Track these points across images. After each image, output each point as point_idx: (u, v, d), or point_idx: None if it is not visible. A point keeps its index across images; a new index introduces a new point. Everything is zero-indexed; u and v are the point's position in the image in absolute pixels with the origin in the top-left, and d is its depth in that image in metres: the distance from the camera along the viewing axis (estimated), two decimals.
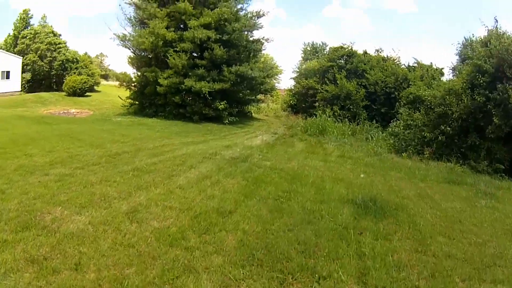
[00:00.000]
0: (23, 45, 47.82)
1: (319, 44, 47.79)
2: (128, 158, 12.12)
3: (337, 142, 21.13)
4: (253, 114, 37.35)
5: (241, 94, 30.89)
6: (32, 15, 51.46)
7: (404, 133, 20.22)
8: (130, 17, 32.20)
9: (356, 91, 30.35)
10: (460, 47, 35.52)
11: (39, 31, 48.37)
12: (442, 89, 19.17)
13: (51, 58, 47.83)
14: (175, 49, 28.42)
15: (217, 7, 28.83)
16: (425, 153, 17.73)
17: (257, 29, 32.88)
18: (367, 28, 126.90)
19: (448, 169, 15.52)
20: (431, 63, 33.03)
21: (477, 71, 16.95)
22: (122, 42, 31.10)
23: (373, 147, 19.95)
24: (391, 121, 24.62)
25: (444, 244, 6.81)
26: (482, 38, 20.44)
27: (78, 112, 32.95)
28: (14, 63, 44.98)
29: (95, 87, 48.96)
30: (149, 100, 30.55)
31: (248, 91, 31.65)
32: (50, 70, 48.03)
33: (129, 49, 31.81)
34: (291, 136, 22.68)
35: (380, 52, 36.95)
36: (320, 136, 23.21)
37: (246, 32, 31.42)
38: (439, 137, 17.54)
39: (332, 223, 7.25)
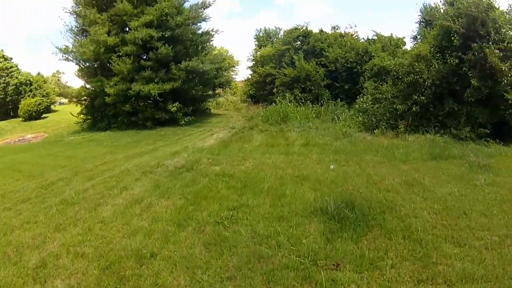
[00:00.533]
0: None
1: (272, 29, 45.46)
2: (61, 187, 10.48)
3: (301, 127, 18.78)
4: (212, 110, 34.88)
5: (194, 91, 27.92)
6: None
7: (373, 108, 18.05)
8: (72, 27, 29.02)
9: (315, 71, 28.18)
10: (420, 15, 33.68)
11: None
12: (409, 56, 17.09)
13: (5, 84, 44.64)
14: (119, 54, 25.88)
15: (157, 3, 26.34)
16: (399, 127, 15.59)
17: (205, 21, 30.17)
18: (323, 11, 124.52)
19: (429, 141, 13.59)
20: (391, 33, 31.22)
21: (445, 33, 15.50)
22: (64, 55, 27.78)
23: (340, 127, 17.76)
24: (357, 97, 22.68)
25: (454, 256, 5.01)
26: None
27: (33, 137, 30.22)
28: None
29: (52, 107, 46.37)
30: (100, 113, 27.98)
31: (201, 86, 28.78)
32: (5, 96, 44.79)
33: (73, 62, 28.51)
34: (250, 129, 20.24)
35: (337, 29, 34.82)
36: (283, 123, 20.84)
37: (192, 26, 28.70)
38: (413, 107, 15.58)
39: (293, 256, 5.04)
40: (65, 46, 27.45)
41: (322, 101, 26.12)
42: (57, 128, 32.17)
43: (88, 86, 29.27)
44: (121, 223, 7.04)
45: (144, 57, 26.99)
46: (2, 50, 46.29)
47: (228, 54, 53.38)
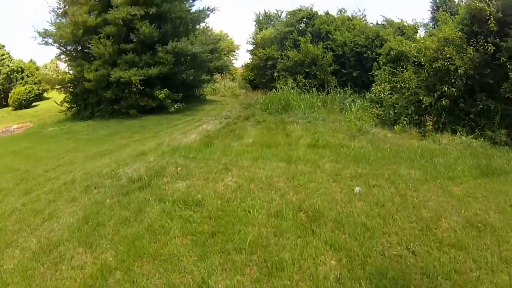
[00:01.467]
0: None
1: (274, 12, 42.02)
2: None
3: (306, 118, 15.70)
4: (207, 97, 31.39)
5: (184, 76, 24.34)
6: None
7: (391, 98, 15.02)
8: (54, 8, 25.69)
9: (322, 55, 24.93)
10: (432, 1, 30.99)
11: None
12: (436, 40, 14.02)
13: None
14: (100, 36, 22.66)
15: None
16: (427, 124, 12.47)
17: None
18: None
19: (466, 146, 10.58)
20: (402, 20, 27.68)
21: (473, 16, 12.60)
22: (43, 39, 24.28)
23: (353, 120, 14.58)
24: (367, 86, 19.95)
25: None
26: None
27: (18, 128, 27.15)
28: None
29: (45, 94, 42.99)
30: (83, 101, 25.00)
31: (193, 71, 24.96)
32: None
33: (54, 46, 25.08)
34: (245, 119, 17.13)
35: (344, 13, 31.65)
36: (284, 113, 17.75)
37: (184, 2, 25.12)
38: (441, 101, 12.46)
39: None
40: (45, 29, 24.14)
41: (328, 89, 22.96)
42: (44, 118, 28.67)
43: (71, 72, 26.42)
44: None
45: (126, 38, 23.60)
46: None
47: (228, 38, 49.93)
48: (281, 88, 21.97)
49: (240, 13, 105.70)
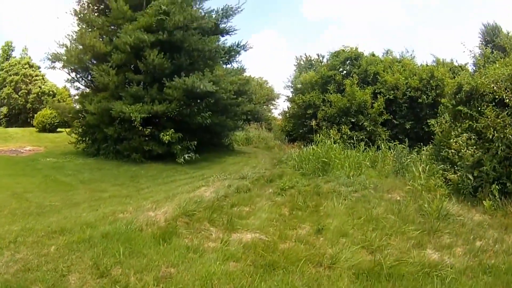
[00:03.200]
0: (1, 79, 43.20)
1: (314, 57, 38.21)
2: None
3: (351, 185, 10.77)
4: (236, 147, 27.02)
5: (199, 118, 19.47)
6: (14, 47, 46.42)
7: (474, 155, 10.41)
8: (70, 32, 21.84)
9: (371, 101, 20.87)
10: (482, 35, 29.18)
11: (14, 64, 43.22)
12: None
13: (26, 91, 42.47)
14: (109, 63, 19.06)
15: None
16: None
17: (228, 34, 22.84)
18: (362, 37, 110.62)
19: None
20: (452, 59, 25.19)
21: None
22: (51, 62, 20.97)
23: (421, 192, 9.70)
24: (426, 140, 16.07)
25: None
26: None
27: (29, 150, 24.63)
28: None
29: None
30: (90, 135, 21.45)
31: (210, 113, 19.84)
32: (26, 103, 42.63)
33: (64, 71, 21.68)
34: (268, 182, 12.24)
35: (390, 54, 28.73)
36: (322, 174, 12.88)
37: (206, 37, 20.02)
38: None
39: None
40: (56, 52, 20.62)
41: (379, 143, 18.21)
42: (60, 146, 25.67)
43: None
44: None
45: (133, 68, 19.93)
46: (29, 57, 44.20)
47: (267, 86, 46.00)
48: (321, 140, 16.71)
49: (282, 61, 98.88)
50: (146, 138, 18.58)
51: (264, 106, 42.17)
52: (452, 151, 11.06)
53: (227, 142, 25.42)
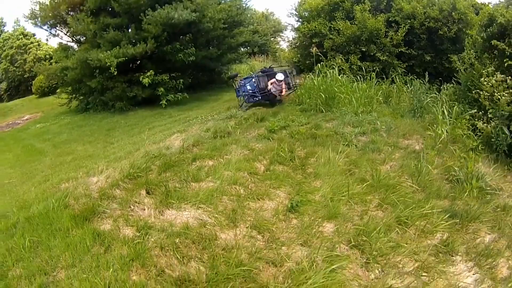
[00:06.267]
0: None
1: None
2: None
3: (358, 125, 8.54)
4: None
5: (181, 55, 17.02)
6: (5, 22, 46.82)
7: (510, 104, 8.01)
8: None
9: (385, 30, 17.65)
10: None
11: (7, 37, 42.93)
12: None
13: (22, 61, 41.44)
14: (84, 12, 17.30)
15: None
16: None
17: None
18: None
19: None
20: None
21: None
22: (30, 20, 19.42)
23: (448, 144, 7.50)
24: (447, 76, 13.92)
25: None
26: None
27: (27, 119, 23.96)
28: None
29: None
30: (76, 91, 20.05)
31: (193, 49, 17.40)
32: (24, 73, 41.62)
33: (43, 29, 20.68)
34: (257, 121, 9.92)
35: None
36: (325, 110, 10.58)
37: None
38: None
39: None
40: (31, 10, 19.26)
41: (393, 76, 15.38)
42: (56, 108, 23.87)
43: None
44: None
45: (109, 11, 17.71)
46: (23, 27, 43.05)
47: (274, 18, 42.42)
48: (324, 73, 13.56)
49: None
50: (128, 84, 17.44)
51: (272, 38, 39.45)
52: (485, 93, 8.33)
53: (226, 78, 22.86)
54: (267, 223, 4.60)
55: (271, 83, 12.45)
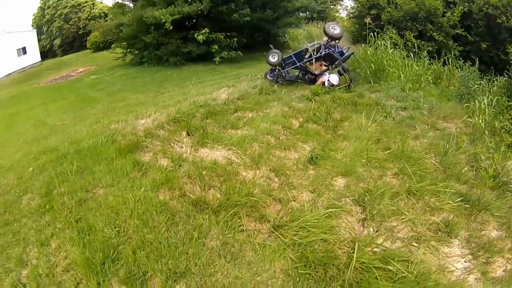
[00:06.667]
0: (48, 16, 46.78)
1: None
2: None
3: (402, 100, 8.51)
4: (291, 44, 23.36)
5: (236, 16, 17.54)
6: None
7: None
8: None
9: (443, 9, 16.98)
10: None
11: None
12: None
13: (76, 19, 45.57)
14: None
15: None
16: None
17: None
18: None
19: None
20: None
21: None
22: None
23: (485, 133, 7.21)
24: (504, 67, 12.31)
25: None
26: None
27: (81, 72, 25.38)
28: (29, 37, 43.25)
29: None
30: (132, 46, 21.00)
31: (247, 10, 17.94)
32: (78, 30, 45.56)
33: None
34: (304, 83, 10.03)
35: None
36: (373, 82, 10.60)
37: None
38: None
39: None
40: None
41: (446, 58, 14.95)
42: (110, 62, 24.79)
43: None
44: None
45: None
46: None
47: None
48: (377, 45, 13.25)
49: None
50: (183, 41, 18.15)
51: (331, 6, 39.78)
52: None
53: (282, 41, 23.12)
54: (286, 169, 5.02)
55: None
